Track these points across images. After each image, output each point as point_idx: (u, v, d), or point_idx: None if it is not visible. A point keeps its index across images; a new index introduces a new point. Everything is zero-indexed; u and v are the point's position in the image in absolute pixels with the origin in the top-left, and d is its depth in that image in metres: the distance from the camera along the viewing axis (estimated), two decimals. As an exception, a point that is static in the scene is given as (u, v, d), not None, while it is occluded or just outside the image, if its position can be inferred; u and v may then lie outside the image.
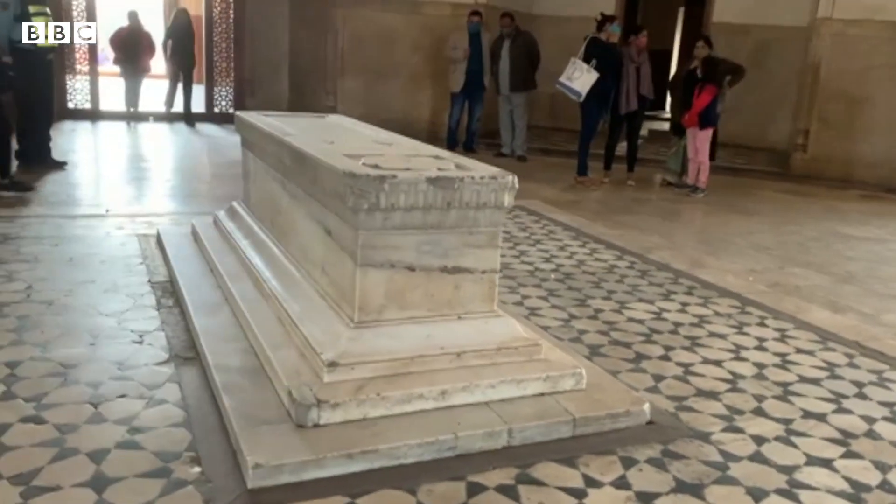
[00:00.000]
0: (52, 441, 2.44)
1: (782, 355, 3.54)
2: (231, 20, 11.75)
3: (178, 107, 11.44)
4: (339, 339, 2.68)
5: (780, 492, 2.40)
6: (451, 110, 10.22)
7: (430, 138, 11.00)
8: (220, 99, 12.01)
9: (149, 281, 4.01)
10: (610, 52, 8.18)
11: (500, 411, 2.65)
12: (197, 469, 2.33)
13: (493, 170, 2.85)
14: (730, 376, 3.27)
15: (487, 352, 2.81)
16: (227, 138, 9.93)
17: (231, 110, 12.04)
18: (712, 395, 3.06)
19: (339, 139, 3.56)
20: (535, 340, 2.95)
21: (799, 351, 3.60)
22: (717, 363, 3.40)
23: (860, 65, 9.16)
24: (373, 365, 2.64)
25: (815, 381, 3.27)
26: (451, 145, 9.68)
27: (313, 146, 3.21)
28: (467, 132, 10.29)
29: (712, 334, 3.76)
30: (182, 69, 11.32)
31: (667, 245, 5.68)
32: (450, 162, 3.06)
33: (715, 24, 11.41)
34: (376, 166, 2.78)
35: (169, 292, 3.85)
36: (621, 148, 8.58)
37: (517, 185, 2.81)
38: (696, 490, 2.38)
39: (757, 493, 2.38)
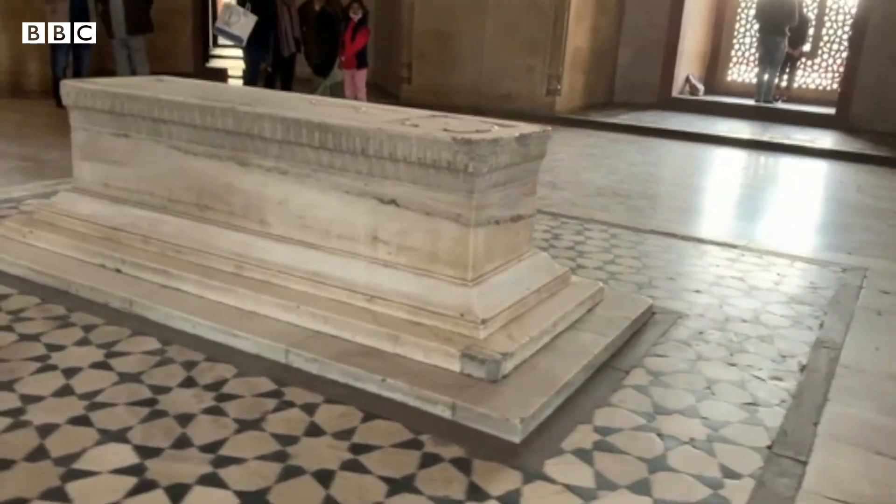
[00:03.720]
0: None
1: (635, 248, 4.57)
2: None
3: None
4: (469, 299, 2.82)
5: (774, 337, 3.39)
6: (55, 58, 8.94)
7: (15, 91, 9.49)
8: None
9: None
10: (260, -6, 8.18)
11: (588, 329, 3.12)
12: (454, 446, 2.36)
13: (534, 126, 3.18)
14: (634, 270, 4.17)
15: (548, 284, 3.22)
16: None
17: None
18: (650, 285, 3.93)
19: (295, 106, 3.38)
20: (566, 268, 3.43)
21: (639, 244, 4.68)
22: (615, 262, 4.28)
23: (446, 3, 10.65)
24: (504, 314, 2.88)
25: (678, 262, 4.37)
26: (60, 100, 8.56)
27: (332, 117, 3.10)
28: (78, 83, 9.11)
29: (576, 243, 4.61)
30: None
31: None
32: (451, 118, 3.26)
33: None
34: (446, 129, 2.90)
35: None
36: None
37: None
38: (741, 347, 3.24)
39: (767, 339, 3.34)
